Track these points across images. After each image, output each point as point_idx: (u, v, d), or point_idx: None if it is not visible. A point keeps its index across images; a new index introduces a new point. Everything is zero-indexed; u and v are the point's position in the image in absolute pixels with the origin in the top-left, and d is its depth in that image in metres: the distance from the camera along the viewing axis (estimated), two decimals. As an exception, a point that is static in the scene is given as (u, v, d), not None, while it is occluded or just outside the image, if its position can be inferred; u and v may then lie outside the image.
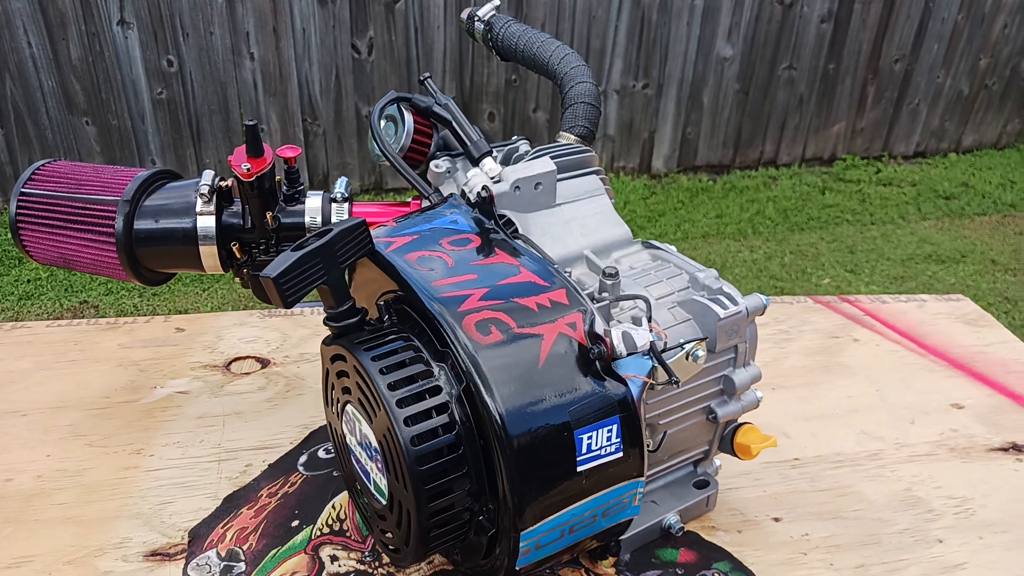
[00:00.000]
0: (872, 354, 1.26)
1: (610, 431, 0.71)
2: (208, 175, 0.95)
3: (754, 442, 0.88)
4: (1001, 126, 4.29)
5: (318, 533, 0.92)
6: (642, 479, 0.75)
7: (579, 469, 0.71)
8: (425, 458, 0.69)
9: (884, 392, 1.18)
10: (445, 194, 0.92)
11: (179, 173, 1.01)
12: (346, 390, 0.77)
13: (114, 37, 3.19)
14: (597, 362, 0.72)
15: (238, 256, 0.96)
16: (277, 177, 0.96)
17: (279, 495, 0.97)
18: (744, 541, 0.92)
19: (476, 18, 1.08)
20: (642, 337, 0.73)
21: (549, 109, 3.68)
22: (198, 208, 0.94)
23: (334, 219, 0.96)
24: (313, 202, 0.96)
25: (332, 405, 0.82)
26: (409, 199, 1.02)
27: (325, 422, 0.89)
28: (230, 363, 1.21)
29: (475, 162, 0.92)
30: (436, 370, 0.72)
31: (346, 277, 0.87)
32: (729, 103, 3.86)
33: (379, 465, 0.74)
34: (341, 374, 0.77)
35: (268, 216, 0.94)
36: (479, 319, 0.72)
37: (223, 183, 0.95)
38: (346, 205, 0.96)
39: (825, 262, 3.34)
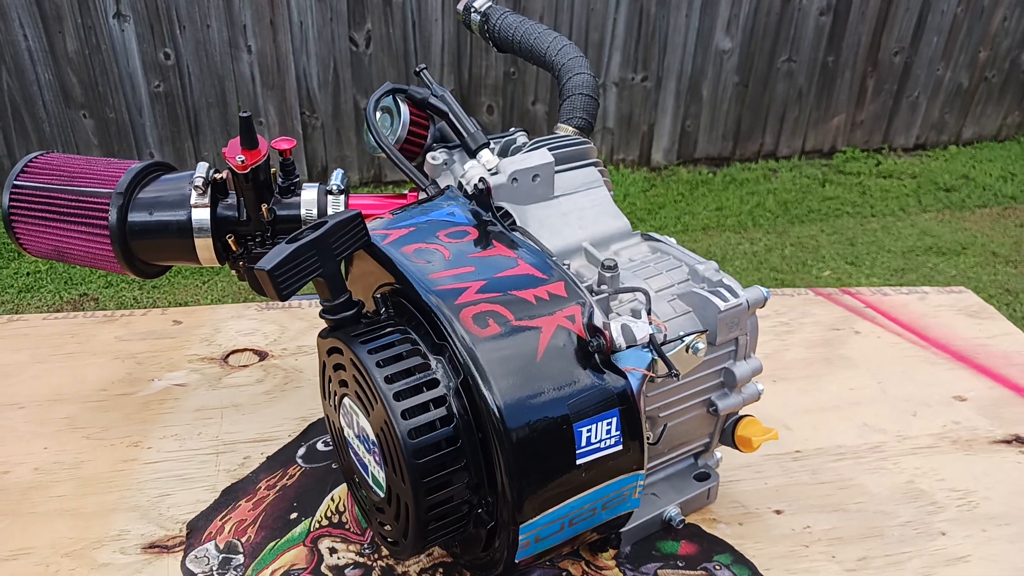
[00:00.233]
0: (874, 346, 1.26)
1: (609, 424, 0.71)
2: (203, 167, 0.94)
3: (755, 435, 0.87)
4: (1001, 118, 4.28)
5: (317, 525, 0.91)
6: (642, 472, 0.75)
7: (578, 462, 0.70)
8: (423, 451, 0.68)
9: (886, 384, 1.17)
10: (442, 186, 0.91)
11: (173, 165, 1.00)
12: (343, 383, 0.76)
13: (110, 30, 3.17)
14: (596, 355, 0.72)
15: (234, 249, 0.95)
16: (272, 169, 0.95)
17: (277, 487, 0.97)
18: (745, 534, 0.92)
19: (472, 9, 1.07)
20: (641, 330, 0.72)
21: (548, 101, 3.67)
22: (193, 200, 0.93)
23: (330, 211, 0.95)
24: (309, 194, 0.96)
25: (329, 398, 0.82)
26: (406, 191, 1.01)
27: (323, 415, 0.89)
28: (228, 356, 1.20)
29: (472, 154, 0.92)
30: (434, 363, 0.71)
31: (342, 270, 0.86)
32: (728, 95, 3.85)
33: (377, 458, 0.74)
34: (338, 367, 0.76)
35: (263, 208, 0.93)
36: (477, 312, 0.71)
37: (218, 175, 0.94)
38: (342, 197, 0.96)
39: (825, 254, 3.33)
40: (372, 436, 0.73)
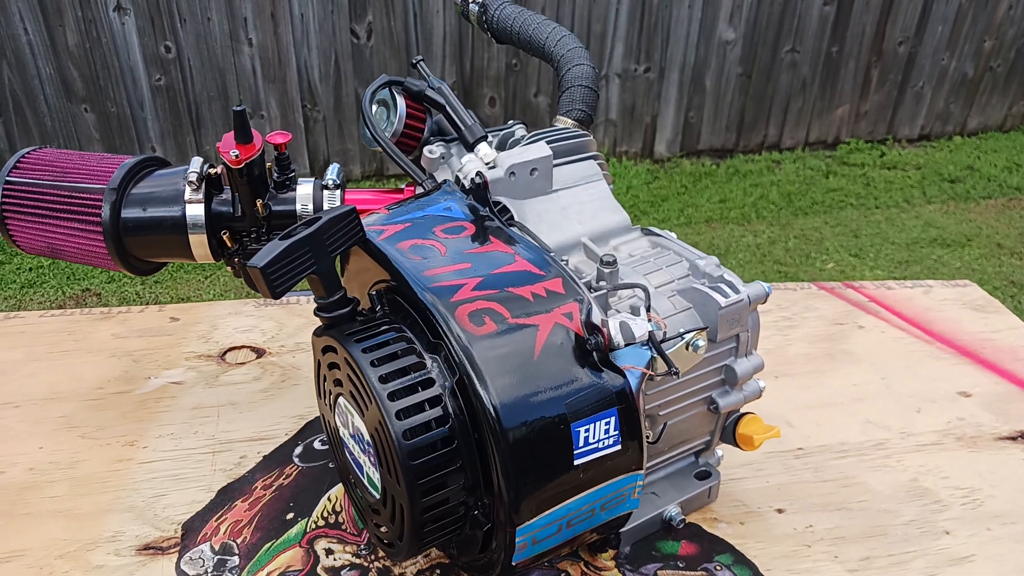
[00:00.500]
0: (877, 341, 1.24)
1: (608, 423, 0.70)
2: (196, 162, 0.93)
3: (757, 432, 0.86)
4: (1007, 108, 4.25)
5: (313, 526, 0.90)
6: (641, 472, 0.73)
7: (576, 463, 0.69)
8: (418, 452, 0.67)
9: (890, 380, 1.16)
10: (440, 180, 0.90)
11: (168, 160, 0.98)
12: (338, 382, 0.75)
13: (111, 23, 3.16)
14: (594, 353, 0.70)
15: (229, 245, 0.94)
16: (268, 164, 0.94)
17: (274, 487, 0.96)
18: (747, 533, 0.90)
19: (471, 0, 1.05)
20: (640, 327, 0.71)
21: (550, 93, 3.65)
22: (187, 196, 0.92)
23: (326, 206, 0.94)
24: (304, 189, 0.94)
25: (324, 397, 0.81)
26: (403, 185, 1.00)
27: (319, 413, 0.88)
28: (225, 353, 1.19)
29: (470, 147, 0.90)
30: (429, 362, 0.70)
31: (338, 266, 0.85)
32: (732, 87, 3.82)
33: (372, 459, 0.73)
34: (333, 366, 0.75)
35: (258, 204, 0.92)
36: (472, 309, 0.70)
37: (212, 170, 0.93)
38: (338, 192, 0.94)
39: (829, 246, 3.31)
40: (367, 436, 0.72)
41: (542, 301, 0.72)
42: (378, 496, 0.74)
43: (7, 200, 0.94)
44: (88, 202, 0.92)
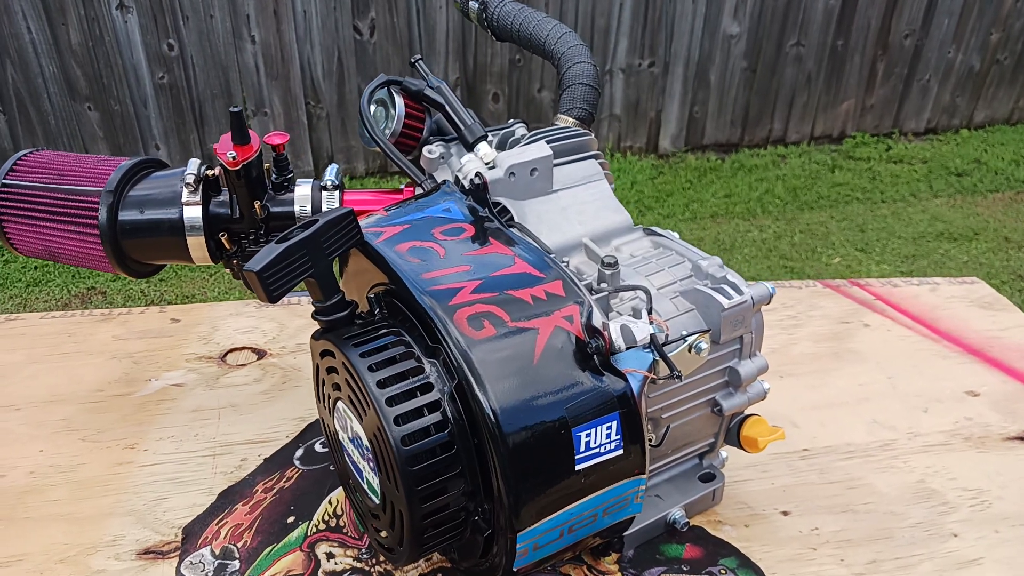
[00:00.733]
0: (883, 340, 1.23)
1: (609, 428, 0.69)
2: (194, 164, 0.92)
3: (761, 435, 0.85)
4: (1013, 101, 4.22)
5: (314, 530, 0.90)
6: (644, 476, 0.72)
7: (577, 468, 0.68)
8: (416, 458, 0.66)
9: (896, 379, 1.15)
10: (439, 180, 0.89)
11: (166, 162, 0.98)
12: (336, 386, 0.74)
13: (114, 21, 3.15)
14: (595, 357, 0.70)
15: (227, 247, 0.93)
16: (266, 165, 0.93)
17: (275, 490, 0.95)
18: (751, 536, 0.90)
19: (471, -3, 1.04)
20: (642, 330, 0.70)
21: (554, 89, 3.64)
22: (184, 198, 0.91)
23: (324, 207, 0.93)
24: (303, 190, 0.93)
25: (323, 401, 0.80)
26: (403, 186, 0.99)
27: (320, 416, 0.87)
28: (226, 354, 1.18)
29: (469, 147, 0.89)
30: (428, 366, 0.69)
31: (337, 268, 0.84)
32: (736, 81, 3.80)
33: (371, 463, 0.72)
34: (331, 370, 0.74)
35: (256, 205, 0.91)
36: (471, 313, 0.69)
37: (210, 172, 0.92)
38: (337, 193, 0.93)
39: (835, 241, 3.30)
40: (366, 441, 0.71)
41: (542, 304, 0.71)
42: (377, 501, 0.74)
43: (3, 203, 0.93)
44: (85, 205, 0.91)
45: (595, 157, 0.92)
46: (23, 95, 3.22)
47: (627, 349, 0.70)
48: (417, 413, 0.67)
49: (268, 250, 0.69)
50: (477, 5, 1.04)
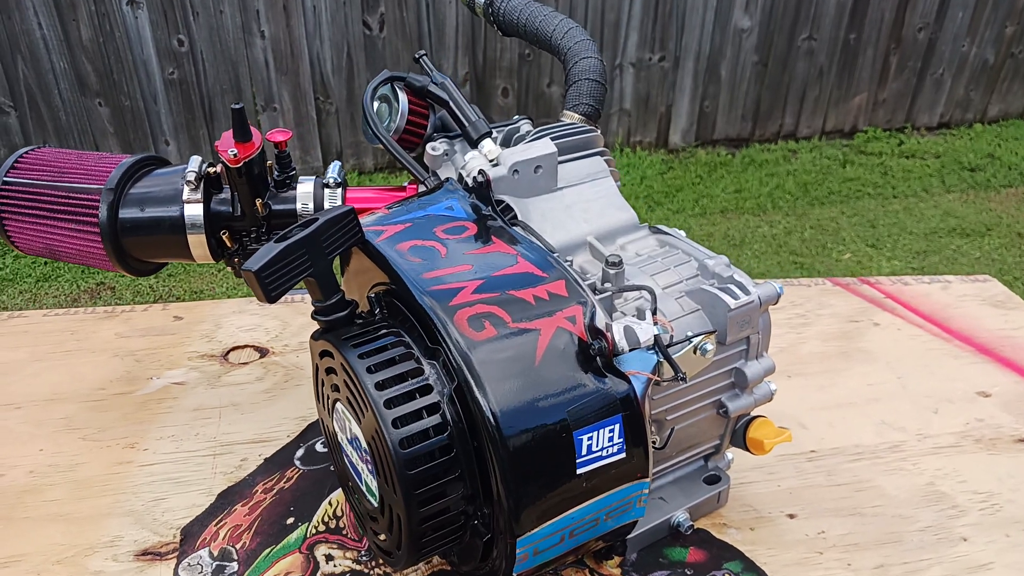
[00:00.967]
0: (893, 339, 1.21)
1: (611, 431, 0.67)
2: (195, 161, 0.91)
3: (767, 437, 0.84)
4: (1029, 95, 4.18)
5: (313, 531, 0.89)
6: (647, 480, 0.71)
7: (579, 472, 0.67)
8: (415, 461, 0.65)
9: (906, 380, 1.13)
10: (443, 178, 0.88)
11: (167, 160, 0.97)
12: (335, 387, 0.73)
13: (124, 17, 3.15)
14: (598, 358, 0.68)
15: (228, 245, 0.92)
16: (268, 162, 0.92)
17: (274, 491, 0.94)
18: (757, 539, 0.88)
19: (476, -8, 1.03)
20: (645, 332, 0.68)
21: (564, 84, 3.62)
22: (185, 196, 0.90)
23: (327, 205, 0.92)
24: (305, 188, 0.92)
25: (322, 401, 0.79)
26: (406, 183, 0.98)
27: (321, 416, 0.86)
28: (228, 352, 1.17)
29: (474, 144, 0.88)
30: (427, 368, 0.68)
31: (339, 266, 0.83)
32: (747, 75, 3.78)
33: (369, 466, 0.71)
34: (330, 371, 0.73)
35: (258, 203, 0.90)
36: (472, 314, 0.68)
37: (211, 169, 0.91)
38: (339, 190, 0.92)
39: (846, 237, 3.27)
40: (364, 443, 0.70)
41: (544, 304, 0.70)
42: (376, 504, 0.73)
43: (4, 201, 0.92)
44: (85, 203, 0.90)
45: (601, 154, 0.91)
46: (34, 91, 3.22)
47: (630, 350, 0.69)
48: (416, 415, 0.66)
49: (267, 249, 0.68)
50: (483, 0, 1.02)
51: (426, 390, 0.67)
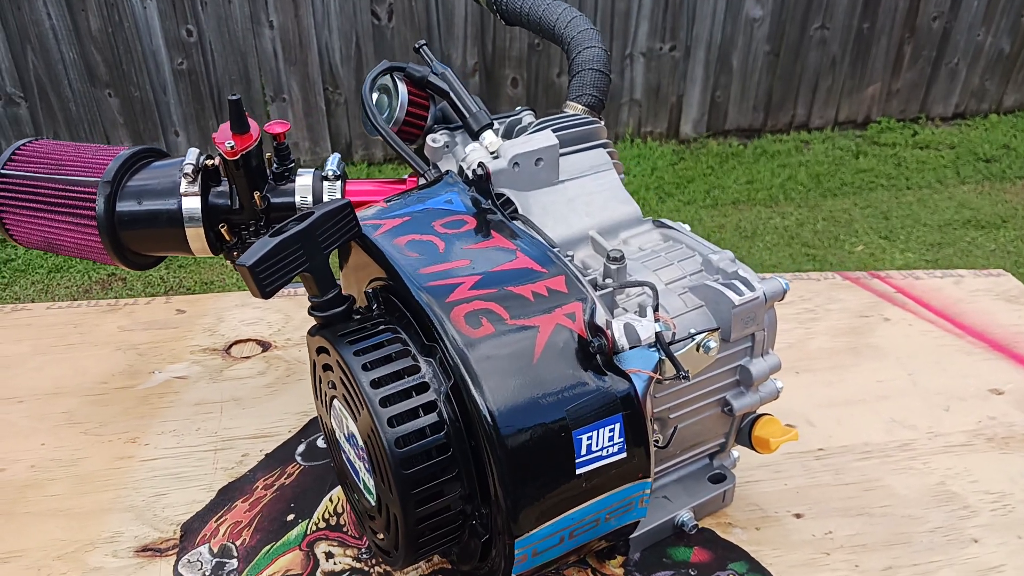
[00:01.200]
0: (904, 335, 1.19)
1: (612, 431, 0.66)
2: (192, 153, 0.90)
3: (773, 435, 0.82)
4: (1045, 85, 4.12)
5: (314, 528, 0.88)
6: (648, 480, 0.70)
7: (578, 472, 0.65)
8: (411, 460, 0.64)
9: (917, 376, 1.11)
10: (444, 170, 0.86)
11: (165, 152, 0.96)
12: (332, 384, 0.72)
13: (133, 7, 3.15)
14: (597, 356, 0.67)
15: (227, 238, 0.91)
16: (267, 154, 0.91)
17: (275, 487, 0.93)
18: (762, 539, 0.87)
19: (478, -20, 1.01)
20: (646, 329, 0.67)
21: (568, 74, 3.59)
22: (183, 188, 0.89)
23: (326, 198, 0.91)
24: (304, 180, 0.91)
25: (320, 398, 0.78)
26: (405, 176, 0.96)
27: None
28: (230, 346, 1.17)
29: (475, 135, 0.87)
30: (424, 365, 0.67)
31: (338, 260, 0.82)
32: (759, 65, 3.74)
33: (366, 464, 0.70)
34: (327, 367, 0.72)
35: (256, 196, 0.89)
36: (469, 310, 0.66)
37: (209, 162, 0.90)
38: (338, 183, 0.91)
39: (859, 228, 3.24)
40: (361, 442, 0.69)
41: (543, 301, 0.68)
42: (373, 502, 0.72)
43: (1, 194, 0.91)
44: (82, 195, 0.89)
45: (604, 146, 0.89)
46: (44, 82, 3.23)
47: (631, 348, 0.67)
48: (412, 414, 0.65)
49: (261, 244, 0.67)
50: (486, -11, 1.01)
51: (422, 388, 0.66)
